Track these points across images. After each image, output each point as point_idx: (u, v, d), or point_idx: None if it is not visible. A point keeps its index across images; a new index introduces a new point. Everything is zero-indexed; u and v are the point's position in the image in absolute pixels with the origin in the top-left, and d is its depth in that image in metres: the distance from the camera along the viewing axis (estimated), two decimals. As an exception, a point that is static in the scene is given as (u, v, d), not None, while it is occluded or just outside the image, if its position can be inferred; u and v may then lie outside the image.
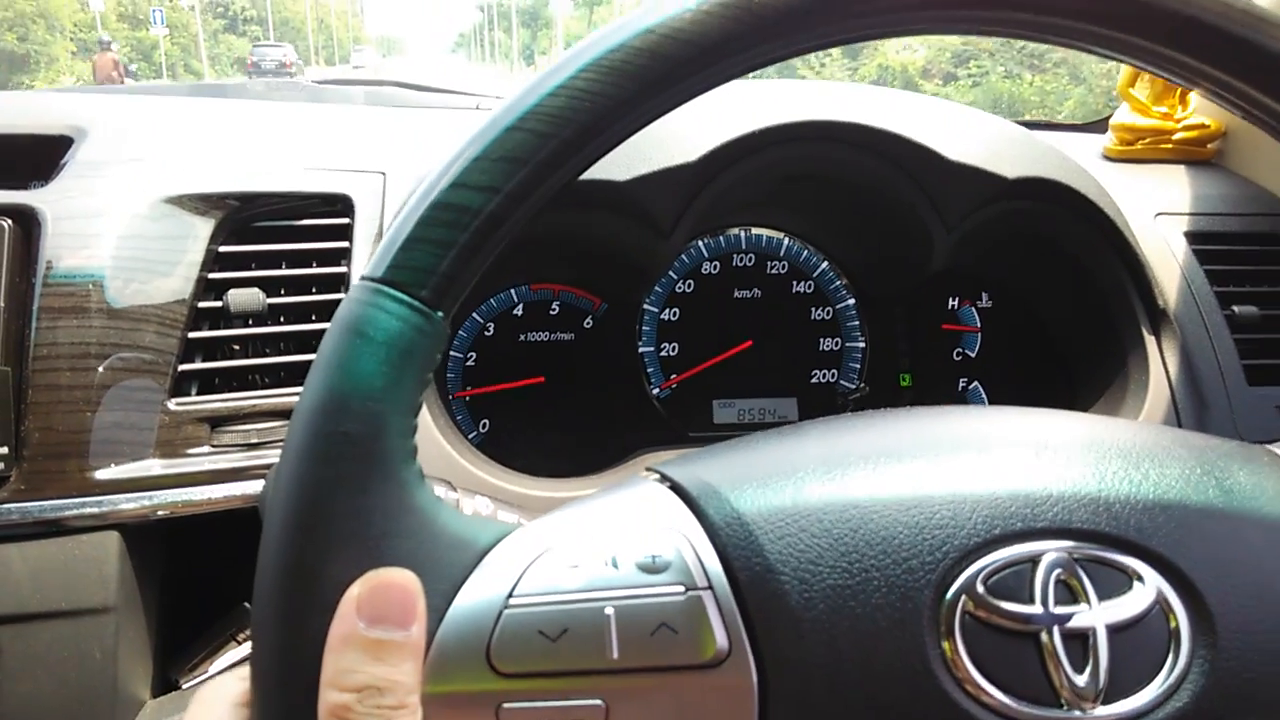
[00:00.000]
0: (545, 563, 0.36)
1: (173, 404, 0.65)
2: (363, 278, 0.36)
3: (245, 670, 0.37)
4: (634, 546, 0.36)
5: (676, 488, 0.39)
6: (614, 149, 0.38)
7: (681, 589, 0.35)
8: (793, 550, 0.36)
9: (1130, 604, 0.36)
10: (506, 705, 0.34)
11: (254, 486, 0.65)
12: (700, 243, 0.87)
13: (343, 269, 0.72)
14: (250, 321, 0.70)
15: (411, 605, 0.34)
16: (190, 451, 0.65)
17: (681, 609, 0.35)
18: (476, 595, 0.35)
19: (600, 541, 0.36)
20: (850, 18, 0.37)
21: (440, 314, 0.36)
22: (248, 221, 0.72)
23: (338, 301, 0.71)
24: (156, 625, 0.67)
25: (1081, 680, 0.34)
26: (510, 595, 0.35)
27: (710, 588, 0.35)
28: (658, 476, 0.40)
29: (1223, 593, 0.36)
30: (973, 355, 0.91)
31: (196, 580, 0.71)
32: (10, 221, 0.64)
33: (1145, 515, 0.37)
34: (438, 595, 0.35)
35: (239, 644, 0.68)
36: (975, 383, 0.91)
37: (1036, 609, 0.35)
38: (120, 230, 0.67)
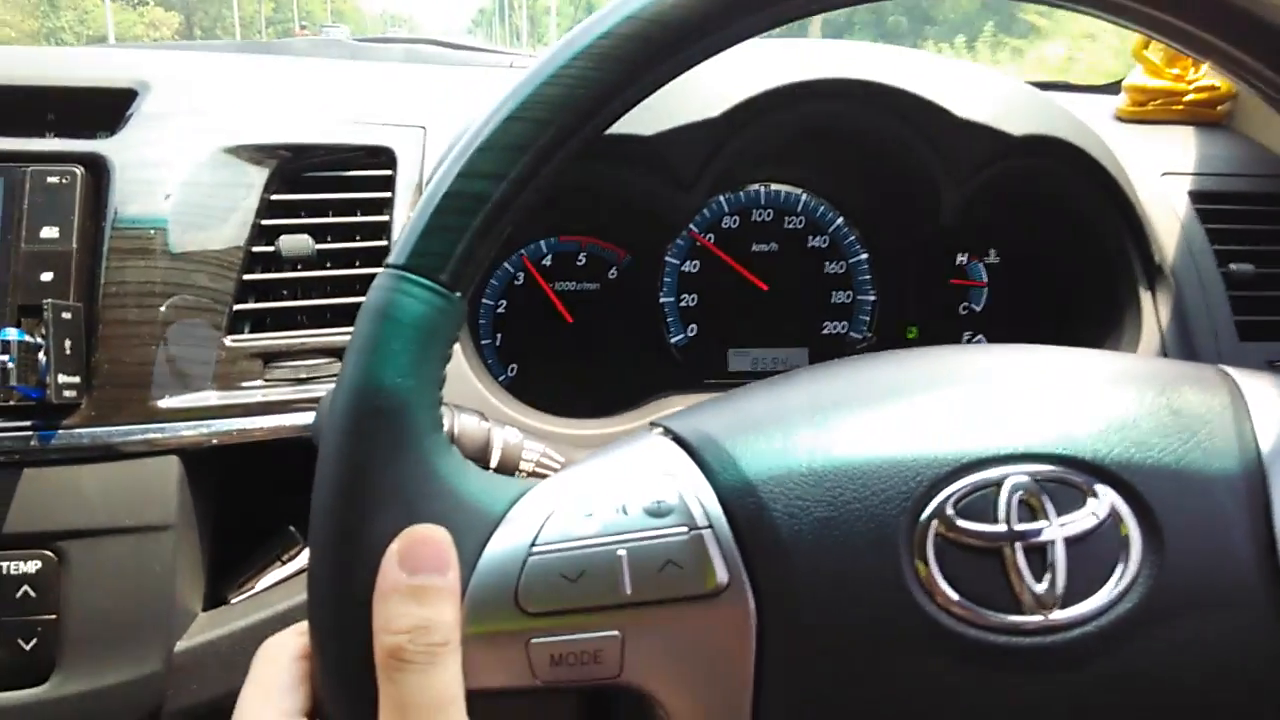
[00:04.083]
0: (562, 513, 0.39)
1: (229, 340, 0.70)
2: (387, 265, 0.39)
3: (301, 626, 0.40)
4: (641, 494, 0.40)
5: (678, 439, 0.42)
6: (610, 126, 0.40)
7: (685, 529, 0.39)
8: (782, 489, 0.39)
9: (1085, 518, 0.39)
10: (535, 640, 0.38)
11: (303, 418, 0.70)
12: (721, 198, 0.90)
13: (385, 218, 0.76)
14: (300, 266, 0.74)
15: (445, 554, 0.37)
16: (245, 384, 0.70)
17: (685, 547, 0.38)
18: (503, 546, 0.39)
19: (610, 491, 0.40)
20: None
21: (459, 294, 0.39)
22: (299, 172, 0.76)
23: (382, 248, 0.75)
24: (210, 544, 0.72)
25: (1041, 588, 0.38)
26: (533, 544, 0.39)
27: (710, 527, 0.39)
28: (661, 430, 0.43)
29: (1169, 504, 0.39)
30: (978, 309, 0.94)
31: (247, 503, 0.76)
32: (82, 168, 0.69)
33: (1099, 437, 0.40)
34: (468, 548, 0.38)
35: (283, 564, 0.72)
36: (979, 336, 0.93)
37: (1001, 527, 0.39)
38: (182, 178, 0.71)
